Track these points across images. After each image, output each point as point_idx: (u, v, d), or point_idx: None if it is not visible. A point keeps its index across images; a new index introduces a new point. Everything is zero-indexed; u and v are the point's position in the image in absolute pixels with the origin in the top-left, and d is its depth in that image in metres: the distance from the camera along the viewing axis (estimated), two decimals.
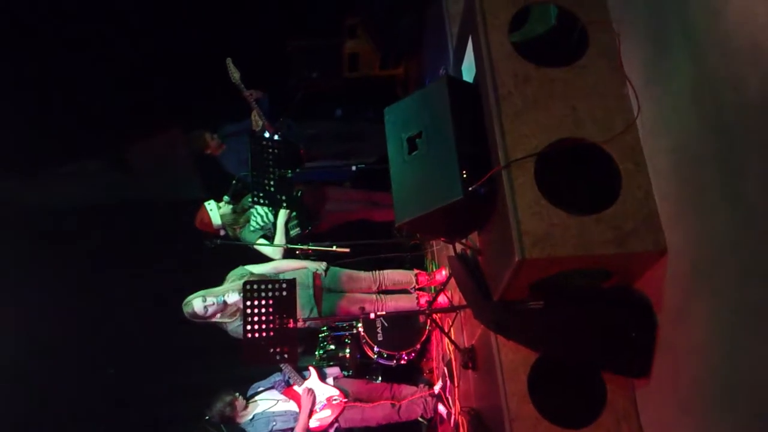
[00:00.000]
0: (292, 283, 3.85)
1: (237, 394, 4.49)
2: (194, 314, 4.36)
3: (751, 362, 1.98)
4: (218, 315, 4.40)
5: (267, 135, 5.04)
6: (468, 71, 3.06)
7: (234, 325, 4.42)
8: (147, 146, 6.33)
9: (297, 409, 4.53)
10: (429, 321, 4.83)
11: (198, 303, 4.34)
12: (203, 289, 4.43)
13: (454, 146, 2.57)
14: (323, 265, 4.85)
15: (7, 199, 6.16)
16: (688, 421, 2.35)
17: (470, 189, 2.52)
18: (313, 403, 4.53)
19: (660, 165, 2.44)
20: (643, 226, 2.43)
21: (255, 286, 3.75)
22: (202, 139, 5.23)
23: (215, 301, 4.34)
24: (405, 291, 5.07)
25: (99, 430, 5.74)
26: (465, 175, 2.53)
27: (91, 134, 6.00)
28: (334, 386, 4.70)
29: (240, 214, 4.92)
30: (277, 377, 4.71)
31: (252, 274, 4.59)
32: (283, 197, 4.60)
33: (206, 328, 4.65)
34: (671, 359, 2.46)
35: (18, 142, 5.67)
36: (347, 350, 5.26)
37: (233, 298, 4.37)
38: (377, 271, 5.02)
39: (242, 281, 4.17)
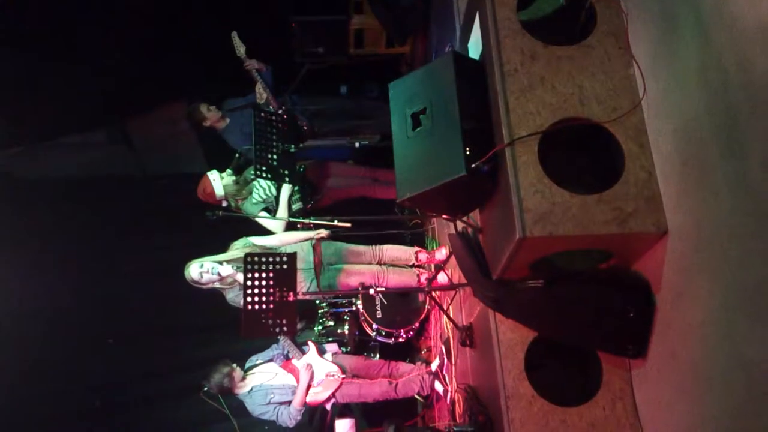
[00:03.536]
0: (292, 257, 3.86)
1: (234, 365, 4.53)
2: (191, 279, 4.41)
3: (748, 343, 1.99)
4: (216, 283, 4.44)
5: (271, 109, 5.01)
6: (474, 48, 3.04)
7: (231, 295, 4.49)
8: (150, 120, 6.31)
9: (295, 383, 4.57)
10: (428, 299, 4.85)
11: (195, 269, 4.39)
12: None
13: (459, 123, 2.56)
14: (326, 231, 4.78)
15: (8, 169, 6.15)
16: (684, 402, 2.37)
17: (473, 166, 2.51)
18: (311, 378, 4.56)
19: (664, 146, 2.44)
20: (644, 207, 2.43)
21: (256, 259, 3.76)
22: (198, 111, 5.20)
23: (210, 269, 4.37)
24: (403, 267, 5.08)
25: (95, 399, 5.76)
26: (468, 152, 2.52)
27: (94, 106, 5.97)
28: (333, 362, 4.73)
29: (242, 185, 4.92)
30: (275, 350, 4.74)
31: (254, 245, 4.60)
32: (286, 171, 4.59)
33: (205, 301, 4.68)
34: (668, 340, 2.47)
35: (19, 111, 5.65)
36: (346, 327, 5.26)
37: (227, 270, 4.39)
38: (377, 246, 5.02)
39: (242, 253, 4.19)
